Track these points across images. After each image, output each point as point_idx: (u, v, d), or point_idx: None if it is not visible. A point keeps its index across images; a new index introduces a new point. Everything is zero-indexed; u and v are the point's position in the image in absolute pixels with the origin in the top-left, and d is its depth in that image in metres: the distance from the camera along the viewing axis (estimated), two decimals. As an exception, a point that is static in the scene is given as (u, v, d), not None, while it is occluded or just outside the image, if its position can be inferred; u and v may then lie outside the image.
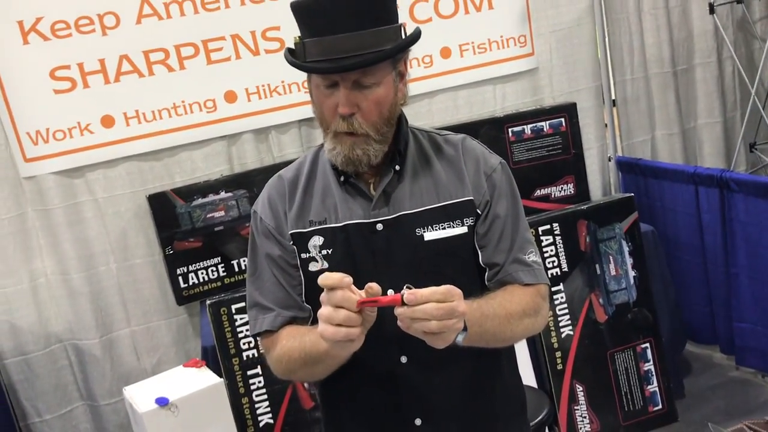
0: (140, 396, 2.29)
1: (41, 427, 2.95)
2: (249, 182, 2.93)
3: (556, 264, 2.77)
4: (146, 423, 2.21)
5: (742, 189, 2.87)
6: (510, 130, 3.13)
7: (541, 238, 2.76)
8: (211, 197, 2.91)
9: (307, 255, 1.43)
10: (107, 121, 2.86)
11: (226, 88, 2.95)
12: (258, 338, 1.50)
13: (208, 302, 2.58)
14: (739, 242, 2.95)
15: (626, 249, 2.84)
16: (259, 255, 1.47)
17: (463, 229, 1.45)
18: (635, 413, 2.86)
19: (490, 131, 3.12)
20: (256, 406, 2.56)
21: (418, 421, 1.45)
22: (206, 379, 2.36)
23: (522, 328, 1.42)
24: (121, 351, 2.99)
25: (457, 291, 1.22)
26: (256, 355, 2.57)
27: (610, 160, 3.47)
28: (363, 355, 1.27)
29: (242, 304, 2.52)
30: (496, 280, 1.47)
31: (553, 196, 3.18)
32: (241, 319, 2.56)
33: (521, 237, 1.50)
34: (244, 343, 2.58)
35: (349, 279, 1.19)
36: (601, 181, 3.41)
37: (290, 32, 1.40)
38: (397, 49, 1.37)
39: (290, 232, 1.44)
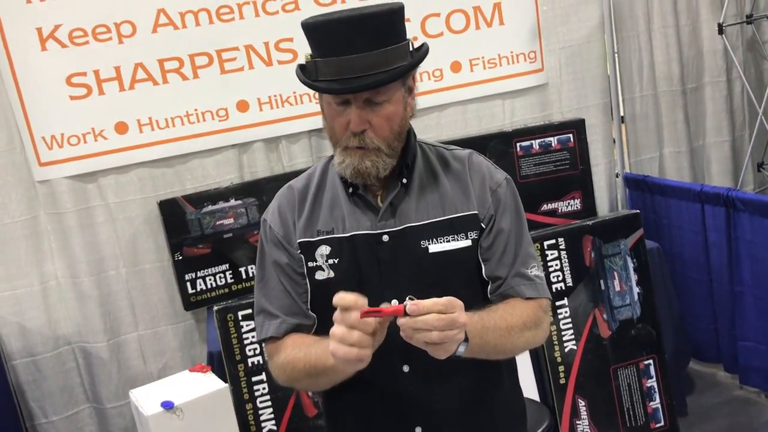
0: (146, 399, 2.31)
1: (47, 428, 2.99)
2: (258, 190, 2.97)
3: (560, 279, 2.79)
4: (151, 426, 2.23)
5: (748, 208, 2.89)
6: (518, 144, 3.16)
7: (547, 252, 2.78)
8: (221, 204, 2.94)
9: (314, 264, 1.46)
10: (121, 128, 2.90)
11: (239, 98, 2.99)
12: (263, 344, 1.52)
13: (215, 308, 2.61)
14: (744, 261, 2.96)
15: (631, 265, 2.85)
16: (267, 262, 1.50)
17: (467, 243, 1.47)
18: (637, 429, 2.86)
19: (499, 145, 3.14)
20: (260, 412, 2.59)
21: (418, 430, 1.48)
22: (211, 384, 2.39)
23: (523, 341, 1.45)
24: (128, 354, 3.02)
25: (459, 302, 1.24)
26: (261, 361, 2.60)
27: (617, 177, 3.49)
28: (367, 372, 1.29)
29: (249, 311, 2.55)
30: (499, 293, 1.50)
31: (560, 211, 3.20)
32: (247, 325, 2.59)
33: (524, 251, 1.52)
34: (249, 350, 2.61)
35: (363, 300, 1.22)
36: (608, 197, 3.43)
37: (303, 44, 1.44)
38: (407, 68, 1.42)
39: (298, 240, 1.48)
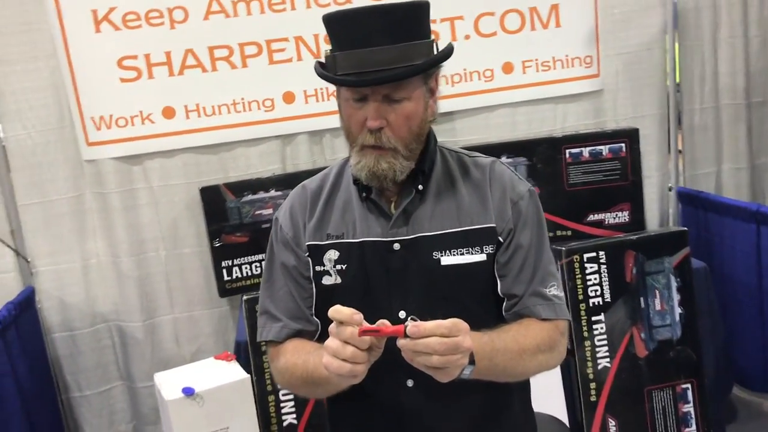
0: (169, 383, 2.34)
1: (81, 401, 3.06)
2: (299, 183, 2.94)
3: (598, 293, 2.70)
4: (171, 411, 2.26)
5: (806, 233, 2.74)
6: (567, 151, 3.06)
7: (586, 265, 2.70)
8: (261, 194, 2.95)
9: (322, 268, 1.43)
10: (168, 113, 2.93)
11: (285, 89, 2.99)
12: (264, 345, 1.51)
13: (244, 297, 2.62)
14: (799, 288, 2.81)
15: (674, 284, 2.74)
16: (275, 263, 1.49)
17: (482, 257, 1.42)
18: (670, 455, 2.76)
19: (547, 151, 3.06)
20: (282, 405, 2.59)
21: None
22: (234, 373, 2.40)
23: (535, 365, 1.39)
24: (163, 336, 3.07)
25: (464, 326, 1.19)
26: (287, 354, 2.59)
27: (670, 191, 3.36)
28: (369, 376, 1.25)
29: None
30: (514, 311, 1.44)
31: (606, 222, 3.10)
32: (275, 317, 2.58)
33: (543, 269, 1.46)
34: (276, 342, 2.60)
35: (359, 316, 1.18)
36: (658, 211, 3.31)
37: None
38: (428, 64, 1.36)
39: (307, 243, 1.45)
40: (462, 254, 1.41)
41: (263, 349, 2.51)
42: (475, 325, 1.30)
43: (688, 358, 2.75)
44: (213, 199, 2.92)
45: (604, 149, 3.07)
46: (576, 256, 2.68)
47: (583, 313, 2.68)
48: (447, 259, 1.40)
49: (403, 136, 1.37)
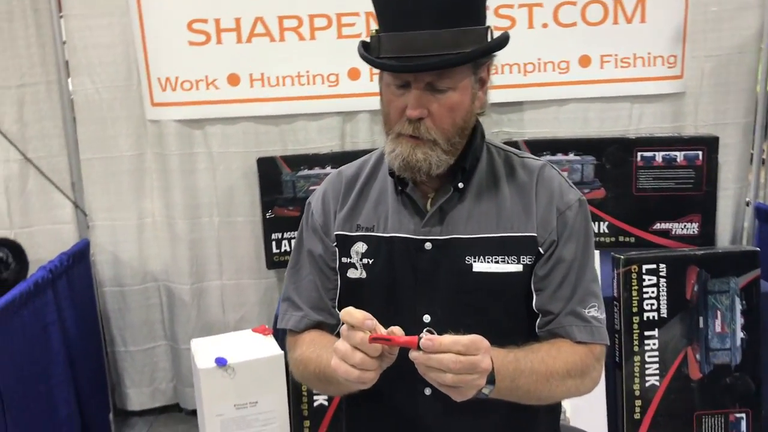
0: (203, 352, 2.35)
1: (125, 356, 3.13)
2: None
3: (654, 307, 2.56)
4: (202, 379, 2.27)
5: None
6: (639, 154, 2.91)
7: (644, 277, 2.55)
8: (317, 170, 2.91)
9: (348, 260, 1.37)
10: (233, 79, 2.92)
11: (351, 65, 2.93)
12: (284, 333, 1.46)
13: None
14: None
15: (739, 307, 2.57)
16: (303, 250, 1.44)
17: (518, 267, 1.32)
18: (716, 485, 2.62)
19: (618, 152, 2.92)
20: (314, 385, 2.56)
21: None
22: (269, 348, 2.39)
23: (563, 390, 1.28)
24: (209, 301, 3.09)
25: (484, 344, 1.10)
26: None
27: (747, 205, 3.15)
28: (385, 380, 1.19)
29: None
30: (547, 329, 1.33)
31: (673, 232, 2.94)
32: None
33: (585, 288, 1.35)
34: (315, 321, 2.57)
35: (372, 322, 1.11)
36: (732, 227, 3.11)
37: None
38: (478, 53, 1.25)
39: (335, 232, 1.39)
40: (497, 262, 1.31)
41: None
42: (502, 341, 1.22)
43: (746, 386, 2.58)
44: (269, 170, 2.91)
45: (679, 155, 2.90)
46: (634, 266, 2.54)
47: (635, 326, 2.55)
48: (480, 266, 1.31)
49: (445, 128, 1.27)
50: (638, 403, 2.56)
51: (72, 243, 2.93)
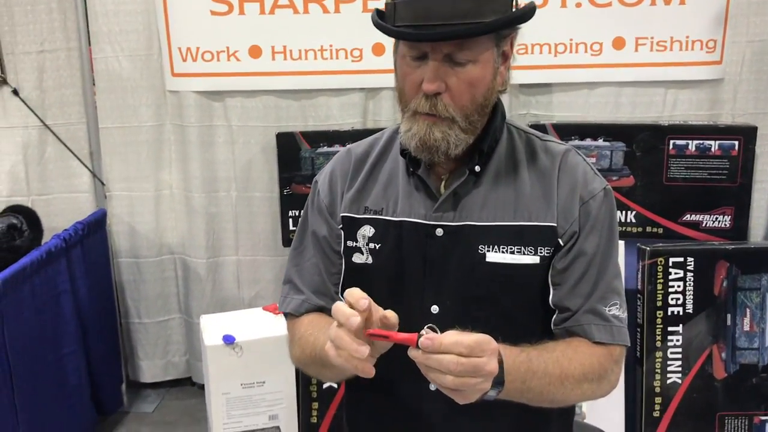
0: (211, 329, 2.31)
1: (139, 328, 3.11)
2: (377, 140, 2.83)
3: (680, 302, 2.47)
4: (209, 356, 2.23)
5: None
6: (672, 142, 2.79)
7: (671, 270, 2.46)
8: (337, 147, 2.84)
9: (354, 244, 1.30)
10: (254, 52, 2.85)
11: (376, 40, 2.83)
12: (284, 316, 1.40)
13: (301, 252, 2.54)
14: None
15: (770, 306, 2.47)
16: (307, 230, 1.37)
17: (534, 260, 1.24)
18: (736, 488, 2.53)
19: (649, 139, 2.80)
20: (325, 367, 2.52)
21: None
22: (278, 328, 2.34)
23: (578, 394, 1.21)
24: (224, 276, 3.05)
25: (491, 345, 1.02)
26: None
27: (784, 200, 3.02)
28: (388, 376, 1.12)
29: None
30: (564, 327, 1.25)
31: (704, 224, 2.83)
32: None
33: (606, 284, 1.26)
34: (329, 302, 2.52)
35: (366, 301, 1.03)
36: (766, 221, 2.98)
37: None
38: (501, 23, 1.16)
39: (342, 214, 1.31)
40: (512, 252, 1.23)
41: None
42: (514, 337, 1.15)
43: (772, 388, 2.49)
44: (288, 146, 2.84)
45: (714, 145, 2.78)
46: (661, 259, 2.45)
47: (659, 321, 2.46)
48: (493, 256, 1.23)
49: (464, 105, 1.19)
50: (658, 400, 2.49)
51: (89, 212, 2.91)
